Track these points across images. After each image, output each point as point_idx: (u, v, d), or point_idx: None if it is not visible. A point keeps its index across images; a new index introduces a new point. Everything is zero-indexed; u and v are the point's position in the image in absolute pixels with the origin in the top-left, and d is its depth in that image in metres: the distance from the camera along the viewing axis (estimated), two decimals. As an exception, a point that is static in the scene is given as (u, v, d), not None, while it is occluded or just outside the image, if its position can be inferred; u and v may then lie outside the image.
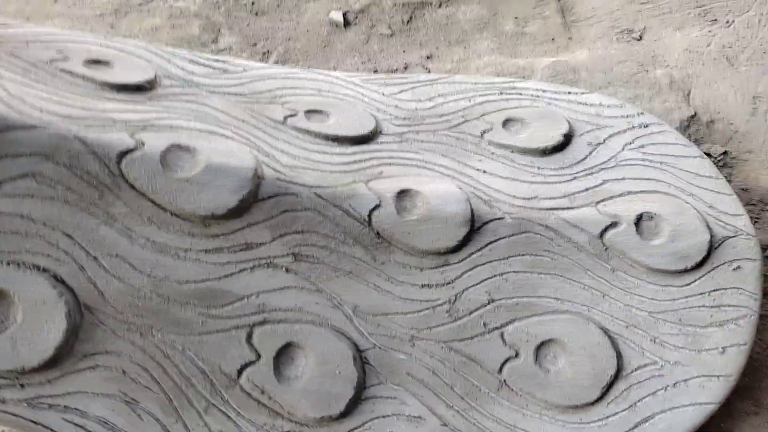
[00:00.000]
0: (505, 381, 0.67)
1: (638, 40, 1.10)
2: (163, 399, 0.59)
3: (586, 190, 0.76)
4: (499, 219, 0.71)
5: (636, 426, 0.65)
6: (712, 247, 0.71)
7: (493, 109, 0.86)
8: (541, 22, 1.15)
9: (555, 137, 0.80)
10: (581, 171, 0.78)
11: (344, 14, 1.25)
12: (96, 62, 0.71)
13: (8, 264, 0.55)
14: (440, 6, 1.23)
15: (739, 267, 0.71)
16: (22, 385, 0.55)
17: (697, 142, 0.97)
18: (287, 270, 0.64)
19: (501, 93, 0.89)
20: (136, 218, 0.58)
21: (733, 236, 0.72)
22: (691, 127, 0.98)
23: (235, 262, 0.62)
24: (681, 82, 1.03)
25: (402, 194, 0.69)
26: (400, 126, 0.81)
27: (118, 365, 0.58)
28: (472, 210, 0.69)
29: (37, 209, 0.55)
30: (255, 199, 0.63)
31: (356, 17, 1.24)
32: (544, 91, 0.89)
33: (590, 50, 1.07)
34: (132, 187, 0.58)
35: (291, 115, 0.77)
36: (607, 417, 0.65)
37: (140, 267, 0.59)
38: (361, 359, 0.65)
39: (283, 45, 1.22)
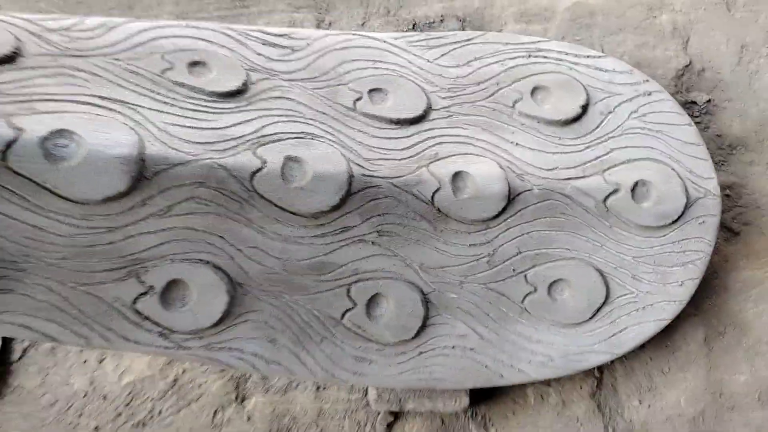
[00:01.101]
0: (525, 308, 0.93)
1: (651, -19, 1.18)
2: (292, 336, 0.84)
3: (596, 159, 0.95)
4: (528, 191, 0.91)
5: (613, 335, 0.94)
6: (687, 208, 0.94)
7: (522, 75, 1.00)
8: (564, -47, 1.20)
9: (574, 109, 0.97)
10: (593, 140, 0.97)
11: (371, -65, 1.26)
12: (195, 64, 0.82)
13: (182, 261, 0.75)
14: (466, -70, 1.25)
15: (704, 221, 0.95)
16: (200, 338, 0.79)
17: (688, 90, 1.13)
18: (373, 243, 0.85)
19: (529, 56, 1.02)
20: (267, 219, 0.77)
21: (703, 197, 0.95)
22: (684, 75, 1.13)
23: (335, 242, 0.83)
24: (682, 28, 1.15)
25: (456, 176, 0.87)
26: (446, 98, 0.96)
27: (261, 318, 0.82)
28: (509, 186, 0.89)
29: (197, 222, 0.73)
30: (349, 195, 0.81)
31: (383, -61, 1.26)
32: (566, 53, 1.02)
33: (607, -10, 1.16)
34: (262, 197, 0.76)
35: (358, 99, 0.91)
36: (594, 330, 0.94)
37: (272, 252, 0.79)
38: (425, 300, 0.89)
39: (314, -29, 1.25)
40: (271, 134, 0.79)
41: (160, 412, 1.02)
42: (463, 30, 1.11)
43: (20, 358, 1.07)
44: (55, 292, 0.71)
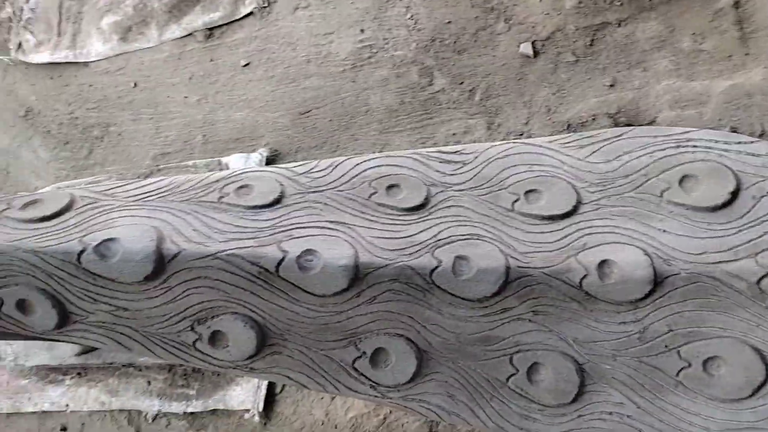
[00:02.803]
0: (681, 381, 1.02)
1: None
2: (467, 394, 1.07)
3: (749, 242, 1.01)
4: (675, 274, 1.02)
5: (778, 414, 0.97)
6: None
7: (671, 165, 1.11)
8: (717, 36, 1.27)
9: (723, 196, 1.04)
10: (745, 224, 1.03)
11: (532, 43, 1.48)
12: (391, 187, 1.13)
13: (384, 334, 1.04)
14: (619, 25, 1.39)
15: None
16: (398, 390, 1.07)
17: None
18: (530, 321, 1.05)
19: (678, 146, 1.12)
20: (443, 304, 1.03)
21: None
22: None
23: (498, 320, 1.05)
24: None
25: (602, 264, 1.03)
26: (595, 192, 1.12)
27: (442, 379, 1.07)
28: (654, 271, 1.01)
29: (393, 306, 1.02)
30: (507, 283, 1.03)
31: (543, 45, 1.47)
32: (716, 141, 1.10)
33: (766, 68, 1.19)
34: (439, 288, 1.02)
35: (516, 200, 1.12)
36: (756, 407, 0.98)
37: (448, 328, 1.04)
38: (580, 369, 1.05)
39: (485, 81, 1.51)
40: (445, 238, 1.06)
41: (373, 443, 1.33)
42: (615, 126, 1.25)
43: (280, 392, 1.48)
44: (305, 354, 1.06)
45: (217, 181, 1.14)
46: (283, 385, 1.47)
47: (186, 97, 1.84)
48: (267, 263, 1.00)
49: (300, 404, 1.44)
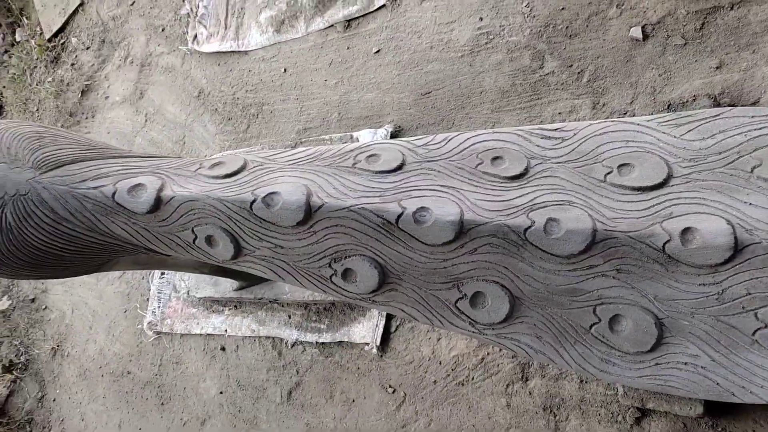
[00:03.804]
0: (757, 340, 1.12)
1: None
2: (553, 337, 1.25)
3: (835, 216, 1.07)
4: (757, 243, 1.11)
5: None
6: None
7: (764, 144, 1.18)
8: (836, 17, 1.27)
9: (812, 172, 1.11)
10: (833, 199, 1.08)
11: (642, 27, 1.56)
12: (496, 158, 1.32)
13: (482, 280, 1.25)
14: (732, 8, 1.44)
15: None
16: (493, 328, 1.28)
17: None
18: (613, 278, 1.20)
19: (775, 125, 1.19)
20: (535, 258, 1.21)
21: None
22: None
23: (584, 275, 1.20)
24: None
25: (685, 231, 1.14)
26: (686, 167, 1.22)
27: (531, 322, 1.26)
28: (735, 239, 1.11)
29: (491, 258, 1.23)
30: (593, 243, 1.18)
31: (653, 29, 1.55)
32: (814, 121, 1.15)
33: None
34: (532, 244, 1.20)
35: (608, 173, 1.26)
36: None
37: (538, 279, 1.22)
38: (659, 323, 1.18)
39: (593, 63, 1.63)
40: (539, 203, 1.23)
41: (473, 378, 1.54)
42: (717, 106, 1.32)
43: (395, 330, 1.75)
44: (416, 292, 1.30)
45: (352, 150, 1.41)
46: (397, 325, 1.73)
47: (326, 80, 2.14)
48: (389, 216, 1.24)
49: (410, 342, 1.69)
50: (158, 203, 1.34)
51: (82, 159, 1.43)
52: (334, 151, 1.41)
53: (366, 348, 1.76)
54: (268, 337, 2.04)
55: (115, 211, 1.37)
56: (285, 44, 2.27)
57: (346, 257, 1.32)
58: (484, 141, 1.37)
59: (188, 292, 2.31)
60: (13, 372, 2.88)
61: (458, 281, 1.27)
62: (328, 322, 1.90)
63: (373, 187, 1.30)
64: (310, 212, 1.28)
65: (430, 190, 1.28)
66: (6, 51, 3.57)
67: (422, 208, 1.23)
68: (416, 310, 1.32)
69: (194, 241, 1.39)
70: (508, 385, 1.47)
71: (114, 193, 1.35)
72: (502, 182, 1.29)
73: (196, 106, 2.55)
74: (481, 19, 1.81)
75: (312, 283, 1.37)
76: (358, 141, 1.99)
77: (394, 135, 1.93)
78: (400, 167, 1.33)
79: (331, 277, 1.34)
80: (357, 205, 1.26)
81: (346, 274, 1.33)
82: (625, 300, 1.20)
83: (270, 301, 2.05)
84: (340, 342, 1.84)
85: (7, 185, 1.34)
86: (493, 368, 1.50)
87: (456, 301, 1.28)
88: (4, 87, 3.48)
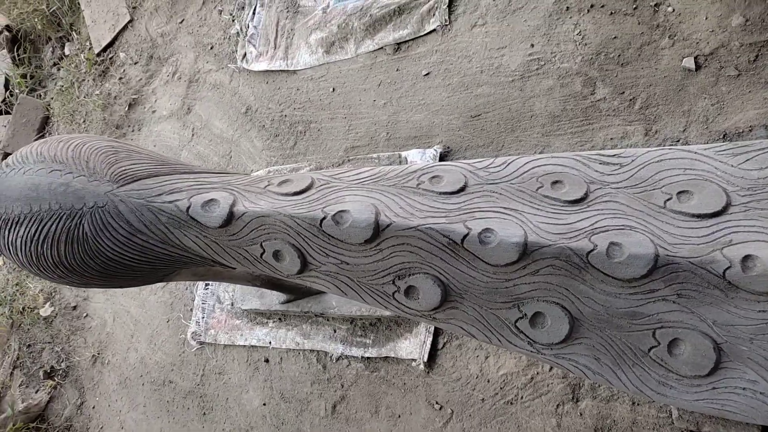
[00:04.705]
0: (818, 368, 1.14)
1: None
2: (611, 359, 1.28)
3: None
4: (816, 271, 1.14)
5: None
6: None
7: (823, 173, 1.21)
8: None
9: None
10: None
11: (695, 58, 1.61)
12: (555, 183, 1.37)
13: (543, 301, 1.29)
14: (787, 41, 1.48)
15: None
16: (551, 349, 1.31)
17: None
18: (673, 302, 1.23)
19: (834, 157, 1.22)
20: (596, 281, 1.25)
21: None
22: None
23: (644, 299, 1.24)
24: None
25: (746, 258, 1.18)
26: (744, 196, 1.26)
27: (590, 343, 1.29)
28: (795, 268, 1.14)
29: (552, 279, 1.27)
30: (655, 268, 1.22)
31: (706, 59, 1.59)
32: None
33: None
34: (593, 267, 1.24)
35: (668, 199, 1.30)
36: None
37: (598, 301, 1.26)
38: (717, 348, 1.21)
39: (645, 91, 1.67)
40: (601, 227, 1.27)
41: (522, 397, 1.58)
42: (772, 136, 1.36)
43: (442, 347, 1.79)
44: (476, 311, 1.35)
45: (415, 171, 1.46)
46: (444, 342, 1.77)
47: (374, 100, 2.21)
48: (455, 237, 1.29)
49: (458, 359, 1.73)
50: (230, 218, 1.41)
51: (156, 174, 1.50)
52: (397, 172, 1.47)
53: (413, 364, 1.80)
54: (312, 351, 2.09)
55: (189, 224, 1.43)
56: (334, 65, 2.34)
57: (410, 275, 1.36)
58: (543, 165, 1.41)
59: (233, 303, 2.37)
60: (54, 378, 2.95)
61: (519, 301, 1.31)
62: (374, 337, 1.95)
63: (438, 208, 1.35)
64: (378, 230, 1.33)
65: (493, 212, 1.33)
66: (55, 64, 3.71)
67: (487, 229, 1.28)
68: (476, 328, 1.36)
69: (262, 255, 1.45)
70: (558, 406, 1.50)
71: (188, 208, 1.42)
72: (563, 206, 1.33)
73: (243, 122, 2.63)
74: (532, 45, 1.86)
75: (374, 299, 1.42)
76: (407, 160, 2.05)
77: (443, 156, 1.98)
78: (462, 189, 1.39)
79: (393, 293, 1.39)
80: (424, 224, 1.31)
81: (409, 291, 1.37)
82: (684, 324, 1.23)
83: (316, 315, 2.10)
84: (386, 357, 1.88)
85: (86, 197, 1.42)
86: (543, 388, 1.53)
87: (516, 321, 1.32)
88: (52, 99, 3.61)
